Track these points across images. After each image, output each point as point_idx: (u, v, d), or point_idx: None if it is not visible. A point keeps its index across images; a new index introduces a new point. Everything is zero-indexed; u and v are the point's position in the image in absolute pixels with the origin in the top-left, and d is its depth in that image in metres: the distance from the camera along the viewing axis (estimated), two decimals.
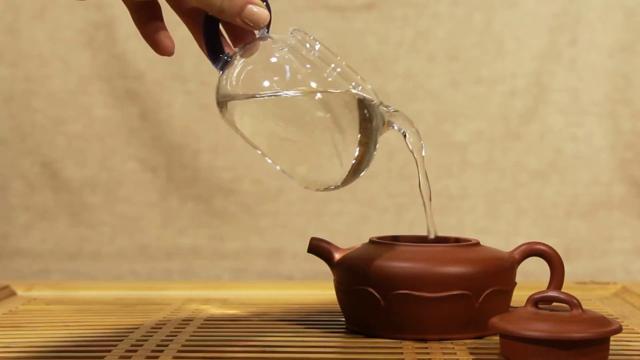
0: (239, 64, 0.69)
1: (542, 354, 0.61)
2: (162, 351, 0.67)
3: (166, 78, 1.25)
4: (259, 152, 0.71)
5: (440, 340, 0.70)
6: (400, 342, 0.70)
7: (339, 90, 0.68)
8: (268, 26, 0.70)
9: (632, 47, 1.23)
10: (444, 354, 0.67)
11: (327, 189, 0.70)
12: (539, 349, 0.62)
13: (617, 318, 0.80)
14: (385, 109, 0.71)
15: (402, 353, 0.67)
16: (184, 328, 0.75)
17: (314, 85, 0.68)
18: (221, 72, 0.70)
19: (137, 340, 0.70)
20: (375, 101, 0.70)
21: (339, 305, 0.76)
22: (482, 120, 1.24)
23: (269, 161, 0.72)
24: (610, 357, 0.64)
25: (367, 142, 0.69)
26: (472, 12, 1.24)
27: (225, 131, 1.26)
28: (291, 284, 1.07)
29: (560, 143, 1.24)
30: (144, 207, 1.26)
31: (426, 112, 1.24)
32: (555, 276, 0.74)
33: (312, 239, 0.75)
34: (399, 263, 0.71)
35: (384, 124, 0.71)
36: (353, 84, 0.69)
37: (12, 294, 0.94)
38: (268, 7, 0.69)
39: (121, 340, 0.70)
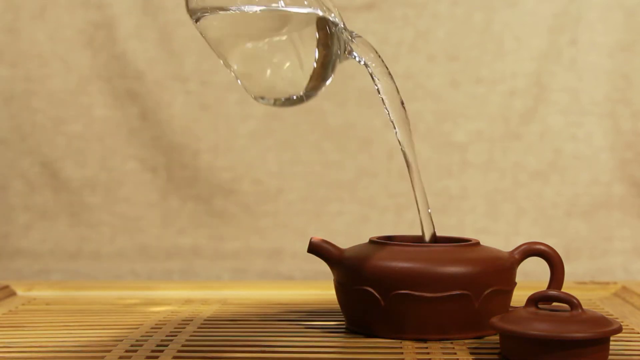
0: None
1: (542, 354, 0.61)
2: (162, 351, 0.67)
3: (166, 78, 1.25)
4: (221, 61, 0.71)
5: (440, 340, 0.70)
6: (400, 342, 0.70)
7: (303, 10, 0.69)
8: None
9: (632, 47, 1.23)
10: (444, 354, 0.67)
11: (289, 99, 0.70)
12: (539, 349, 0.62)
13: (617, 318, 0.80)
14: (348, 34, 0.70)
15: (402, 353, 0.67)
16: (184, 328, 0.75)
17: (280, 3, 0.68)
18: None
19: (137, 340, 0.70)
20: (340, 25, 0.70)
21: (339, 305, 0.76)
22: (482, 120, 1.24)
23: (232, 73, 0.71)
24: (610, 357, 0.64)
25: (328, 52, 0.70)
26: (472, 12, 1.24)
27: (226, 131, 1.27)
28: (291, 284, 1.07)
29: (560, 143, 1.24)
30: (144, 207, 1.26)
31: (426, 112, 1.24)
32: (555, 276, 0.74)
33: (312, 239, 0.75)
34: (399, 263, 0.71)
35: (345, 51, 0.71)
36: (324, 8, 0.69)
37: (12, 294, 0.94)
38: None
39: (121, 340, 0.70)
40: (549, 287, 0.74)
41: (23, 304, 0.89)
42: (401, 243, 0.74)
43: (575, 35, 1.23)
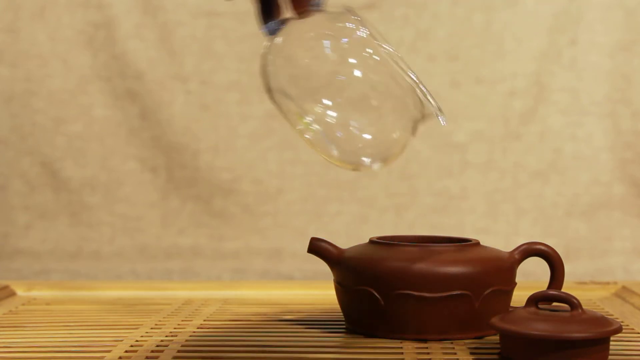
0: (290, 44, 0.67)
1: (542, 354, 0.61)
2: (162, 351, 0.67)
3: (166, 78, 1.25)
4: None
5: (440, 340, 0.70)
6: (400, 342, 0.70)
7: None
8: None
9: (632, 47, 1.23)
10: (444, 354, 0.67)
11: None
12: (539, 349, 0.62)
13: (617, 318, 0.80)
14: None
15: (402, 353, 0.67)
16: (184, 328, 0.75)
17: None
18: (269, 40, 0.67)
19: (137, 341, 0.70)
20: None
21: (339, 305, 0.76)
22: (482, 120, 1.24)
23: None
24: (610, 357, 0.64)
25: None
26: (472, 12, 1.24)
27: (225, 131, 1.27)
28: (291, 284, 1.07)
29: (560, 143, 1.24)
30: (144, 207, 1.26)
31: None
32: (555, 276, 0.74)
33: (312, 239, 0.75)
34: (399, 263, 0.71)
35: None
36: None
37: (12, 294, 0.94)
38: None
39: (121, 340, 0.70)
40: (549, 287, 0.74)
41: (23, 304, 0.89)
42: (401, 243, 0.74)
43: (575, 35, 1.23)
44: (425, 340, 0.70)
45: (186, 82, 1.25)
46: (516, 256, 0.74)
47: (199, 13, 1.25)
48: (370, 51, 0.67)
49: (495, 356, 0.66)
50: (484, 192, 1.24)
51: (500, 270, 0.72)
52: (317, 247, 0.75)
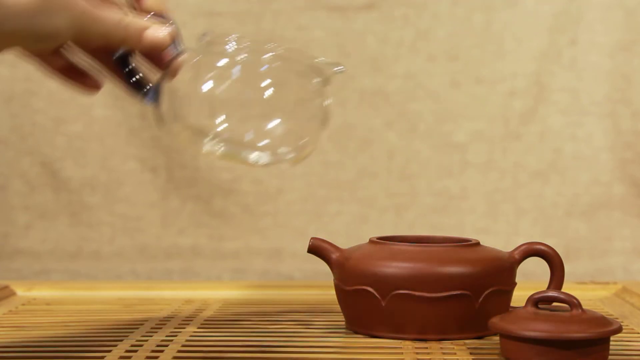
0: (177, 88, 0.69)
1: (542, 354, 0.61)
2: (162, 351, 0.67)
3: None
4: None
5: (440, 340, 0.70)
6: (400, 342, 0.70)
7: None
8: (179, 41, 0.70)
9: (632, 47, 1.23)
10: (444, 354, 0.67)
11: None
12: (539, 349, 0.62)
13: (617, 318, 0.80)
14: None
15: (402, 353, 0.67)
16: (184, 328, 0.75)
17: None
18: (155, 102, 0.70)
19: (137, 340, 0.70)
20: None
21: (339, 305, 0.76)
22: (482, 120, 1.24)
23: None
24: (610, 357, 0.64)
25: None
26: (472, 12, 1.24)
27: None
28: (291, 284, 1.07)
29: (560, 143, 1.24)
30: (144, 207, 1.26)
31: (426, 112, 1.24)
32: (555, 276, 0.74)
33: (312, 239, 0.75)
34: (399, 263, 0.71)
35: None
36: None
37: (12, 294, 0.94)
38: (170, 22, 0.69)
39: (121, 340, 0.70)
40: (549, 287, 0.74)
41: (23, 304, 0.89)
42: (401, 243, 0.74)
43: (575, 35, 1.23)
44: (425, 340, 0.70)
45: None
46: (516, 256, 0.74)
47: (199, 13, 1.25)
48: (260, 55, 0.69)
49: (495, 356, 0.66)
50: (484, 192, 1.24)
51: (500, 270, 0.72)
52: (317, 247, 0.75)
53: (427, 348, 0.68)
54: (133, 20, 0.66)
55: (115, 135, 1.26)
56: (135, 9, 0.69)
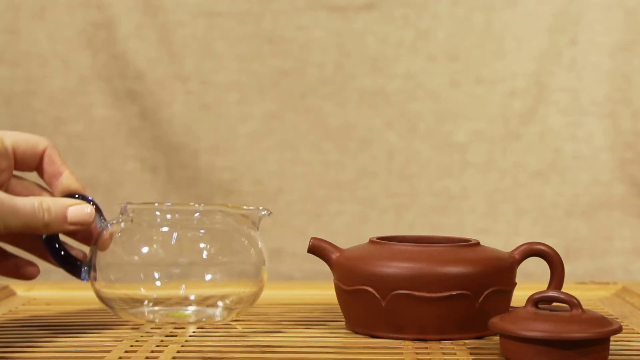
0: (109, 262, 0.74)
1: (542, 354, 0.61)
2: (162, 351, 0.67)
3: (166, 78, 1.25)
4: None
5: (440, 340, 0.70)
6: (400, 342, 0.70)
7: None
8: (102, 215, 0.74)
9: (632, 47, 1.23)
10: (444, 354, 0.67)
11: None
12: (539, 349, 0.62)
13: (617, 318, 0.80)
14: None
15: (402, 353, 0.67)
16: (184, 328, 0.75)
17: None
18: (88, 278, 0.75)
19: (137, 341, 0.70)
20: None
21: (339, 305, 0.76)
22: (482, 120, 1.24)
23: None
24: (610, 357, 0.64)
25: None
26: (472, 12, 1.24)
27: (225, 131, 1.27)
28: (291, 284, 1.07)
29: (560, 143, 1.24)
30: None
31: (426, 112, 1.24)
32: (555, 276, 0.74)
33: (312, 239, 0.75)
34: (399, 263, 0.71)
35: None
36: None
37: (12, 294, 0.94)
38: (88, 199, 0.72)
39: (121, 340, 0.70)
40: (549, 287, 0.74)
41: (23, 304, 0.89)
42: (401, 243, 0.74)
43: (575, 35, 1.23)
44: (425, 340, 0.70)
45: (186, 82, 1.25)
46: (516, 256, 0.74)
47: (199, 13, 1.25)
48: (186, 217, 0.76)
49: (495, 356, 0.66)
50: (484, 192, 1.24)
51: (500, 270, 0.72)
52: (317, 247, 0.75)
53: (427, 348, 0.68)
54: (54, 202, 0.67)
55: (115, 135, 1.26)
56: (52, 190, 0.71)
